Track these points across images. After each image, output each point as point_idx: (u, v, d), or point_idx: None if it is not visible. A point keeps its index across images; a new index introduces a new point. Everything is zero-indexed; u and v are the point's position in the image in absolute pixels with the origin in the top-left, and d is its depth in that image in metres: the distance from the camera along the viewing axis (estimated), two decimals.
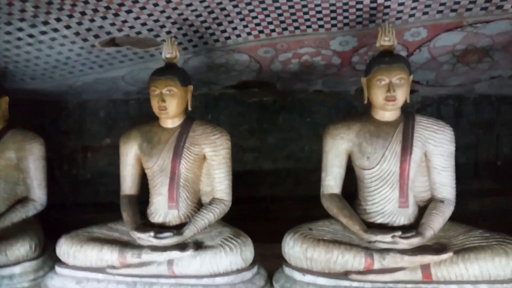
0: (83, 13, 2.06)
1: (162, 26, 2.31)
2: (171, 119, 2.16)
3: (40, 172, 2.39)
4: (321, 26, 2.44)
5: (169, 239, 1.92)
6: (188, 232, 1.97)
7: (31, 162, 2.36)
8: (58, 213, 3.09)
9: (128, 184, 2.26)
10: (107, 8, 2.05)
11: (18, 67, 2.61)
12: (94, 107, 3.47)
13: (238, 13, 2.28)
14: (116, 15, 2.12)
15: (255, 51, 2.73)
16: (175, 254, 1.84)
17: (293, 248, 1.77)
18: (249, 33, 2.51)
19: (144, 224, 2.09)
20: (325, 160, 2.06)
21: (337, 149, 2.01)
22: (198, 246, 1.90)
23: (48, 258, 2.17)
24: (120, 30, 2.29)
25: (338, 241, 1.79)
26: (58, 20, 2.09)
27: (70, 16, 2.08)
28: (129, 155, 2.22)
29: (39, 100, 3.31)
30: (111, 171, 3.54)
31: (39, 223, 2.34)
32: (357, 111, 3.49)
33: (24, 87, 2.93)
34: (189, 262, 1.83)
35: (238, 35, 2.53)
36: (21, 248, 2.03)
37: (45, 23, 2.10)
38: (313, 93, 3.49)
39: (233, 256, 1.82)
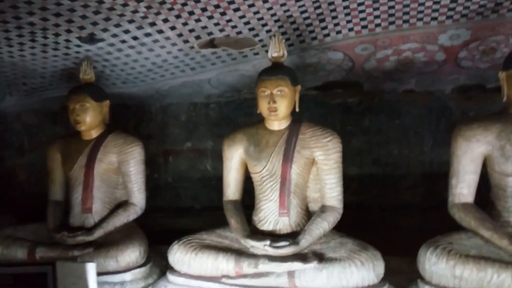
0: (191, 13, 2.01)
1: (264, 25, 2.21)
2: (279, 121, 2.04)
3: (140, 176, 2.36)
4: (434, 19, 2.24)
5: (285, 249, 1.79)
6: (304, 242, 1.83)
7: (132, 166, 2.33)
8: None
9: (232, 190, 2.16)
10: (216, 6, 1.98)
11: (114, 70, 2.62)
12: (176, 110, 3.45)
13: (346, 7, 2.14)
14: (223, 14, 2.04)
15: (351, 49, 2.57)
16: (296, 265, 1.71)
17: (437, 264, 1.58)
18: (350, 29, 2.36)
19: (253, 231, 1.98)
20: (456, 166, 1.85)
21: (472, 153, 1.79)
22: (320, 258, 1.75)
23: (153, 265, 2.12)
24: (222, 30, 2.21)
25: (488, 258, 1.57)
26: (165, 21, 2.05)
27: (178, 17, 2.02)
28: (234, 159, 2.13)
29: (124, 105, 3.34)
30: (191, 175, 3.51)
31: (141, 229, 2.30)
32: (451, 112, 3.22)
33: (114, 91, 2.95)
34: (313, 275, 1.69)
35: (339, 32, 2.38)
36: (132, 255, 1.98)
37: (152, 24, 2.07)
38: (403, 93, 3.25)
39: (365, 271, 1.66)
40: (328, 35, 2.41)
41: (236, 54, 2.55)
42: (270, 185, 1.99)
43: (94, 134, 2.37)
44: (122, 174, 2.35)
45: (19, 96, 3.14)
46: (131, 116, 3.43)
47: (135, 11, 1.92)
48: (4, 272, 1.36)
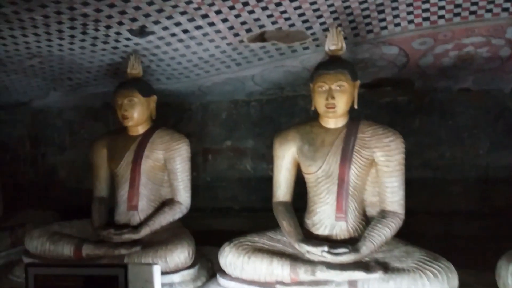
0: (245, 4, 1.91)
1: (319, 17, 2.09)
2: (337, 118, 1.92)
3: (186, 174, 2.29)
4: (505, 10, 2.06)
5: (345, 256, 1.66)
6: (365, 249, 1.70)
7: (179, 163, 2.26)
8: None
9: (283, 190, 2.05)
10: None
11: (160, 65, 2.57)
12: (216, 108, 3.38)
13: None
14: (278, 4, 1.94)
15: (409, 43, 2.41)
16: (359, 275, 1.57)
17: None
18: (410, 21, 2.21)
19: (306, 235, 1.86)
20: None
21: None
22: (384, 267, 1.61)
23: (201, 267, 2.03)
24: (274, 22, 2.11)
25: None
26: (218, 12, 1.96)
27: (232, 8, 1.94)
28: (286, 158, 2.01)
29: (164, 102, 3.28)
30: (230, 175, 3.43)
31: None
32: (511, 112, 3.00)
33: (157, 87, 2.89)
34: (379, 287, 1.55)
35: (397, 24, 2.23)
36: (181, 255, 1.90)
37: (204, 16, 1.99)
38: (457, 92, 3.05)
39: (439, 284, 1.51)
40: (385, 27, 2.26)
41: (285, 49, 2.44)
42: (327, 187, 1.86)
43: (141, 130, 2.32)
44: (168, 171, 2.29)
45: (63, 92, 3.15)
46: (170, 114, 3.39)
47: (189, 2, 1.84)
48: (75, 273, 1.31)
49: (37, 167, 3.63)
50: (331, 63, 1.89)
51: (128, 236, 2.09)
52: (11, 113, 3.54)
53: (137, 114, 2.23)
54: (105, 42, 2.20)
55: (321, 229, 1.86)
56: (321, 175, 1.87)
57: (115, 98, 2.24)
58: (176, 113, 3.40)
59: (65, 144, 3.59)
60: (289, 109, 3.25)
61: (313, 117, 2.09)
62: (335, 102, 1.82)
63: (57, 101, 3.41)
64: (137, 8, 1.84)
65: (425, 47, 2.44)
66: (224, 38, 2.23)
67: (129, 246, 2.01)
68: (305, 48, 2.46)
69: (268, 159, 3.32)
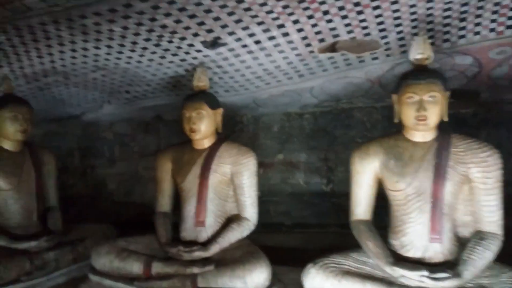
0: (326, 12, 1.84)
1: (398, 25, 2.00)
2: (427, 131, 1.80)
3: (254, 189, 2.21)
4: None
5: (447, 282, 1.53)
6: (468, 274, 1.56)
7: (246, 178, 2.18)
8: None
9: (363, 208, 1.93)
10: (356, 4, 1.80)
11: (223, 78, 2.52)
12: (268, 121, 3.31)
13: (496, 3, 1.89)
14: (359, 12, 1.86)
15: (485, 52, 2.29)
16: None
17: None
18: (492, 30, 2.09)
19: (395, 258, 1.73)
20: None
21: None
22: None
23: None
24: (350, 32, 2.03)
25: None
26: (296, 22, 1.90)
27: (310, 17, 1.87)
28: (367, 173, 1.90)
29: None
30: (282, 189, 3.34)
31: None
32: None
33: None
34: None
35: (477, 33, 2.12)
36: (260, 276, 1.80)
37: (280, 26, 1.93)
38: None
39: None
40: (463, 36, 2.15)
41: (353, 59, 2.36)
42: (418, 206, 1.74)
43: (207, 143, 2.26)
44: (234, 186, 2.21)
45: (118, 104, 3.15)
46: (222, 127, 3.33)
47: (270, 11, 1.78)
48: None
49: (86, 179, 3.63)
50: (421, 73, 1.78)
51: (198, 254, 2.00)
52: (62, 126, 3.56)
53: (204, 127, 2.18)
54: (174, 54, 2.16)
55: (412, 251, 1.73)
56: (411, 193, 1.75)
57: (183, 111, 2.19)
58: (227, 126, 3.32)
59: (114, 156, 3.58)
60: (344, 122, 3.14)
61: (394, 130, 1.97)
62: (426, 114, 1.71)
63: (108, 114, 3.41)
64: (216, 18, 1.80)
65: (502, 56, 2.31)
66: (294, 48, 2.16)
67: (201, 264, 1.93)
68: (374, 59, 2.37)
69: (321, 173, 3.22)
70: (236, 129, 3.35)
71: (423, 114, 1.71)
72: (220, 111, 2.28)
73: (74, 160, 3.65)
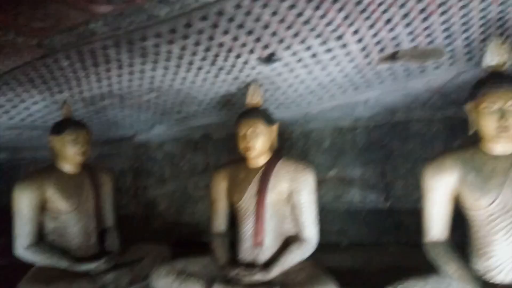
0: (388, 21, 1.75)
1: (465, 31, 1.87)
2: (508, 143, 1.63)
3: (313, 208, 2.11)
4: None
5: None
6: None
7: (305, 196, 2.09)
8: None
9: (439, 228, 1.77)
10: (422, 11, 1.70)
11: (274, 94, 2.48)
12: (319, 136, 3.21)
13: None
14: (425, 19, 1.75)
15: None
16: None
17: None
18: None
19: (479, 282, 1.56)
20: None
21: None
22: None
23: None
24: (413, 40, 1.92)
25: None
26: (355, 32, 1.82)
27: (371, 27, 1.78)
28: (440, 190, 1.75)
29: None
30: (336, 207, 3.20)
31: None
32: None
33: None
34: None
35: None
36: None
37: (339, 38, 1.85)
38: None
39: None
40: None
41: (413, 69, 2.23)
42: (505, 225, 1.56)
43: (262, 161, 2.20)
44: (292, 205, 2.12)
45: (168, 125, 3.19)
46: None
47: (329, 23, 1.72)
48: None
49: (138, 199, 3.68)
50: (499, 79, 1.63)
51: (260, 277, 1.92)
52: (115, 147, 3.65)
53: (260, 145, 2.12)
54: (228, 73, 2.14)
55: (501, 275, 1.55)
56: (496, 210, 1.58)
57: (237, 129, 2.16)
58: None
59: (165, 176, 3.62)
60: (401, 134, 2.98)
61: (473, 142, 1.81)
62: (508, 125, 1.55)
63: (158, 134, 3.47)
64: (273, 34, 1.76)
65: None
66: (352, 60, 2.07)
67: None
68: (436, 68, 2.23)
69: (379, 189, 3.06)
70: (285, 146, 3.28)
71: (504, 124, 1.55)
72: (275, 127, 2.22)
73: (126, 180, 3.72)
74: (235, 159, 2.35)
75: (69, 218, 2.33)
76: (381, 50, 2.00)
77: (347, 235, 3.11)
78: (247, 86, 2.30)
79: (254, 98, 2.22)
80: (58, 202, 2.29)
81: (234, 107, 2.70)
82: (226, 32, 1.70)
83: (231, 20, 1.60)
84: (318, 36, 1.83)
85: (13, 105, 2.37)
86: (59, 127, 2.35)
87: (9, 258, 3.51)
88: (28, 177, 2.29)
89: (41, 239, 2.29)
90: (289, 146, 3.28)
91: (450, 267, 1.62)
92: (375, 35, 1.86)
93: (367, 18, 1.72)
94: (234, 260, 2.14)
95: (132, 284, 2.36)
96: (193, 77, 2.17)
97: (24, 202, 2.21)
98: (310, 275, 1.87)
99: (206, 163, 3.51)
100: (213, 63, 2.00)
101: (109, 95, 2.43)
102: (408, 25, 1.79)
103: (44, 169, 2.39)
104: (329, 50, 1.97)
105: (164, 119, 3.06)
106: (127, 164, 3.73)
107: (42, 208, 2.28)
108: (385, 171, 3.04)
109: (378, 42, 1.93)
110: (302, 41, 1.86)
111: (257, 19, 1.63)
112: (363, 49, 1.97)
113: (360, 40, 1.90)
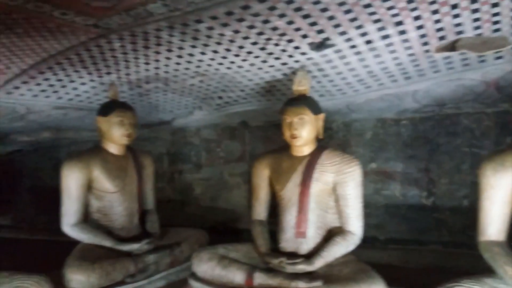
0: (454, 6, 1.65)
1: None
2: None
3: (359, 201, 2.05)
4: None
5: None
6: None
7: (351, 188, 2.03)
8: None
9: (496, 228, 1.68)
10: None
11: (321, 82, 2.41)
12: (360, 127, 3.12)
13: None
14: (494, 5, 1.64)
15: None
16: None
17: None
18: None
19: None
20: None
21: None
22: None
23: None
24: (477, 27, 1.81)
25: None
26: (417, 18, 1.72)
27: (435, 12, 1.68)
28: (503, 188, 1.64)
29: None
30: (375, 201, 3.12)
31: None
32: None
33: None
34: None
35: None
36: None
37: (398, 23, 1.76)
38: None
39: None
40: None
41: (472, 59, 2.11)
42: None
43: (306, 150, 2.15)
44: (337, 197, 2.07)
45: (208, 110, 3.18)
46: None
47: (391, 7, 1.64)
48: None
49: (174, 184, 3.72)
50: None
51: (302, 267, 1.89)
52: (153, 131, 3.69)
53: (306, 133, 2.07)
54: (277, 58, 2.09)
55: None
56: None
57: (283, 116, 2.11)
58: None
59: (201, 162, 3.63)
60: (449, 129, 2.85)
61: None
62: None
63: (196, 119, 3.47)
64: (331, 18, 1.69)
65: None
66: (409, 48, 1.98)
67: (307, 279, 1.81)
68: (498, 58, 2.10)
69: (421, 185, 2.95)
70: (324, 135, 3.20)
71: None
72: (322, 116, 2.16)
73: (163, 164, 3.77)
74: (278, 147, 2.32)
75: (113, 198, 2.37)
76: (442, 37, 1.89)
77: (385, 230, 3.03)
78: (294, 72, 2.24)
79: (301, 85, 2.17)
80: (104, 182, 2.34)
81: (278, 94, 2.65)
82: (282, 15, 1.65)
83: (290, 1, 1.55)
84: (377, 21, 1.75)
85: (63, 84, 2.42)
86: (107, 108, 2.38)
87: (51, 235, 3.65)
88: (76, 157, 2.33)
89: (86, 218, 2.35)
90: (329, 136, 3.21)
91: (509, 270, 1.53)
92: (437, 21, 1.76)
93: (432, 2, 1.63)
94: (275, 249, 2.12)
95: (172, 266, 2.40)
96: (241, 61, 2.14)
97: (72, 180, 2.26)
98: (356, 269, 1.83)
99: (242, 150, 3.50)
100: (263, 47, 1.96)
101: (155, 78, 2.44)
102: (475, 11, 1.68)
103: (90, 149, 2.44)
104: (386, 37, 1.88)
105: (204, 104, 3.05)
106: (164, 149, 3.77)
107: (89, 187, 2.33)
108: (429, 167, 2.93)
109: (439, 29, 1.82)
110: (359, 27, 1.79)
111: (317, 1, 1.56)
112: (423, 36, 1.87)
113: (421, 27, 1.80)
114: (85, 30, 1.73)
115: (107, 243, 2.25)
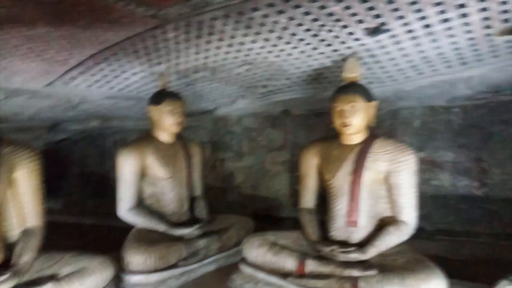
0: None
1: None
2: None
3: (413, 190, 2.02)
4: None
5: None
6: None
7: (405, 178, 2.00)
8: None
9: None
10: None
11: (372, 68, 2.35)
12: (408, 115, 3.04)
13: None
14: None
15: None
16: None
17: None
18: None
19: None
20: None
21: None
22: None
23: None
24: None
25: None
26: (482, 0, 1.64)
27: None
28: None
29: None
30: (423, 190, 3.02)
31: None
32: None
33: None
34: None
35: None
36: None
37: (461, 6, 1.68)
38: None
39: None
40: None
41: None
42: None
43: (357, 139, 2.12)
44: (390, 186, 2.04)
45: (251, 99, 3.19)
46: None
47: None
48: None
49: (216, 172, 3.78)
50: None
51: (355, 256, 1.89)
52: (196, 120, 3.76)
53: (358, 121, 2.05)
54: (328, 45, 2.06)
55: None
56: None
57: (334, 104, 2.09)
58: None
59: (243, 150, 3.67)
60: (503, 117, 2.73)
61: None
62: None
63: (238, 108, 3.50)
64: (390, 1, 1.64)
65: None
66: (468, 32, 1.89)
67: (360, 267, 1.81)
68: None
69: (472, 175, 2.85)
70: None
71: None
72: (374, 104, 2.13)
73: (206, 153, 3.83)
74: (326, 136, 2.30)
75: (165, 184, 2.45)
76: (506, 20, 1.79)
77: (433, 220, 2.96)
78: (344, 59, 2.20)
79: (352, 72, 2.13)
80: (156, 169, 2.42)
81: (324, 82, 2.62)
82: (340, 0, 1.62)
83: None
84: (438, 4, 1.68)
85: (115, 75, 2.50)
86: (158, 98, 2.44)
87: (99, 219, 3.82)
88: (130, 145, 2.42)
89: (140, 203, 2.44)
90: (375, 124, 3.14)
91: None
92: (503, 2, 1.66)
93: None
94: (325, 237, 2.12)
95: (220, 251, 2.46)
96: (291, 49, 2.12)
97: (127, 167, 2.36)
98: (413, 259, 1.80)
99: (284, 138, 3.50)
100: (316, 34, 1.93)
101: (203, 67, 2.47)
102: None
103: (143, 137, 2.52)
104: (445, 20, 1.80)
105: (249, 93, 3.06)
106: (207, 137, 3.83)
107: (142, 174, 2.42)
108: (481, 156, 2.82)
109: (504, 11, 1.73)
110: (418, 10, 1.72)
111: None
112: (486, 19, 1.78)
113: (484, 9, 1.71)
114: (143, 21, 1.77)
115: (161, 227, 2.33)
